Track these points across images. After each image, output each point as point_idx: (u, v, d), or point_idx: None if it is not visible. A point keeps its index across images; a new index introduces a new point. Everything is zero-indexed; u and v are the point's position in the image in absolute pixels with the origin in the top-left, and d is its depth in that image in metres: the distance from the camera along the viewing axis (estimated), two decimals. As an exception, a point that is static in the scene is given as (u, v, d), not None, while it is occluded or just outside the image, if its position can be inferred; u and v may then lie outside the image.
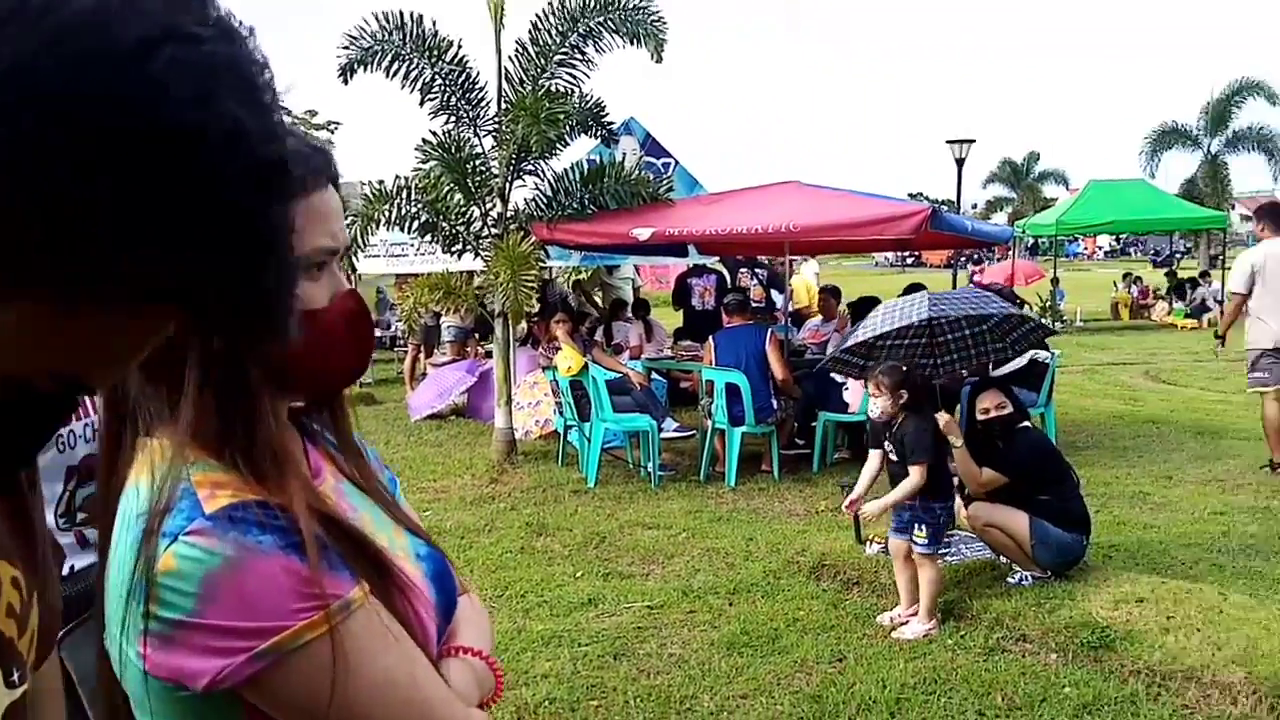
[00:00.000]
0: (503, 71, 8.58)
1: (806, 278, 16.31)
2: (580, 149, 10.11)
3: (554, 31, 8.33)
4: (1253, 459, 8.58)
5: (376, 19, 8.30)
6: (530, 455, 9.42)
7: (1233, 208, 54.81)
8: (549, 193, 8.84)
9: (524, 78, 8.44)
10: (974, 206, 62.84)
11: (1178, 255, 34.99)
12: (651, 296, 16.27)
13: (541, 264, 9.02)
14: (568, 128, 8.42)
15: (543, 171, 8.78)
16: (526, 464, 9.11)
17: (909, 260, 53.13)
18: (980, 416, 5.49)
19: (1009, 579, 5.36)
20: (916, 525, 5.06)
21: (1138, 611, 4.73)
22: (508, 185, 8.74)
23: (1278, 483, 7.72)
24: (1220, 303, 21.84)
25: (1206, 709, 4.07)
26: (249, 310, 0.71)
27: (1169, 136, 30.09)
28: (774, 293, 12.13)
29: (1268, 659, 4.16)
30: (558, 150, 8.64)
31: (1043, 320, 15.36)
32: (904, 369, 5.38)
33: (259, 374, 1.04)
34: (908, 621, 5.08)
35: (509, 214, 8.83)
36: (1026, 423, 5.57)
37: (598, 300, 14.54)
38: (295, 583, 0.99)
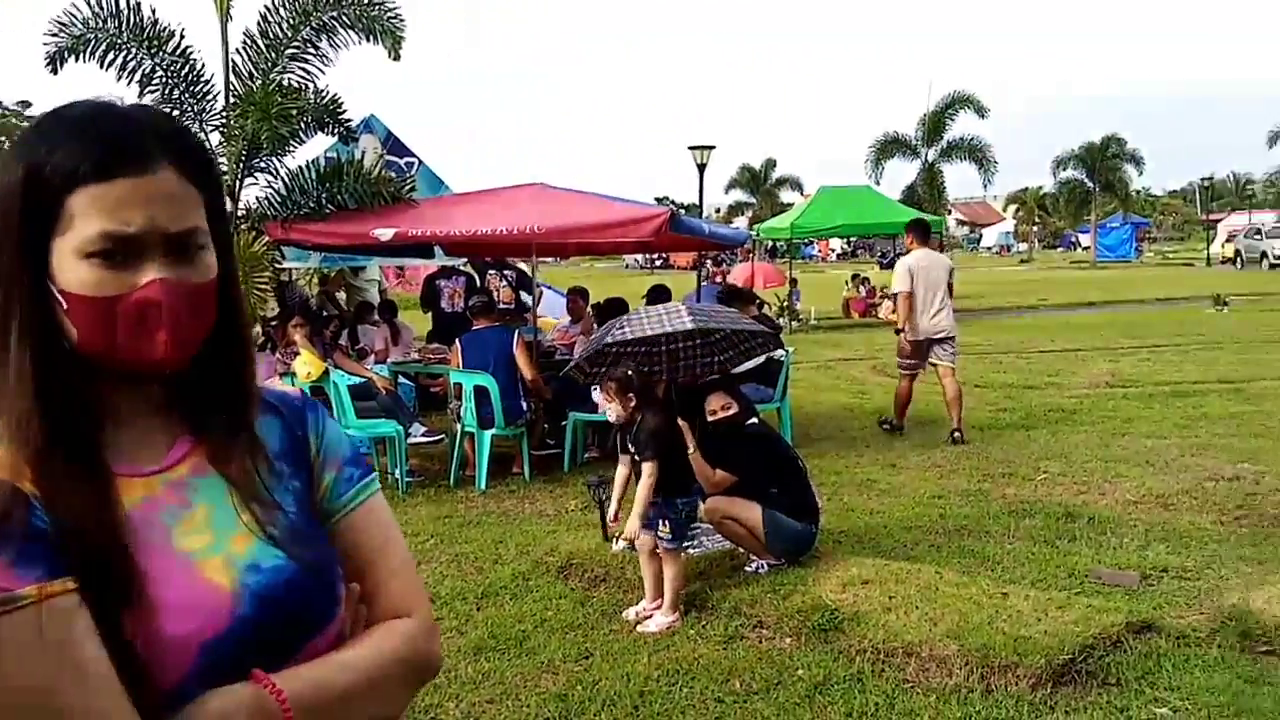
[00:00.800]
0: (230, 64, 8.20)
1: None
2: (318, 146, 9.80)
3: (285, 25, 8.03)
4: (966, 445, 9.28)
5: (89, 4, 7.76)
6: (270, 465, 9.01)
7: (949, 212, 59.32)
8: (283, 191, 8.51)
9: (254, 71, 8.10)
10: (716, 210, 65.14)
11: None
12: (400, 298, 15.93)
13: (277, 265, 8.66)
14: (302, 124, 8.13)
15: (276, 169, 8.44)
16: (266, 475, 8.71)
17: (658, 262, 54.37)
18: (710, 418, 5.68)
19: (747, 568, 5.57)
20: (660, 521, 5.18)
21: (863, 593, 5.00)
22: (238, 183, 8.35)
23: (988, 467, 8.37)
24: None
25: (925, 682, 4.35)
26: None
27: (891, 146, 32.13)
28: (524, 294, 12.13)
29: (977, 631, 4.49)
30: (291, 147, 8.34)
31: (777, 323, 16.06)
32: (629, 373, 5.49)
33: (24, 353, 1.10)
34: (651, 615, 5.19)
35: (240, 213, 8.43)
36: (755, 420, 5.79)
37: (342, 302, 14.09)
38: None
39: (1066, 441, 9.34)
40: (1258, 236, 43.92)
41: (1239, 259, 43.63)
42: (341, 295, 14.34)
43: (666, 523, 5.18)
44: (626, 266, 53.62)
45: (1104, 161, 47.56)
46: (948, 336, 9.94)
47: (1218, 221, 57.21)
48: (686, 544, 5.40)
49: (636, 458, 5.29)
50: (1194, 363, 14.46)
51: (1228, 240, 48.84)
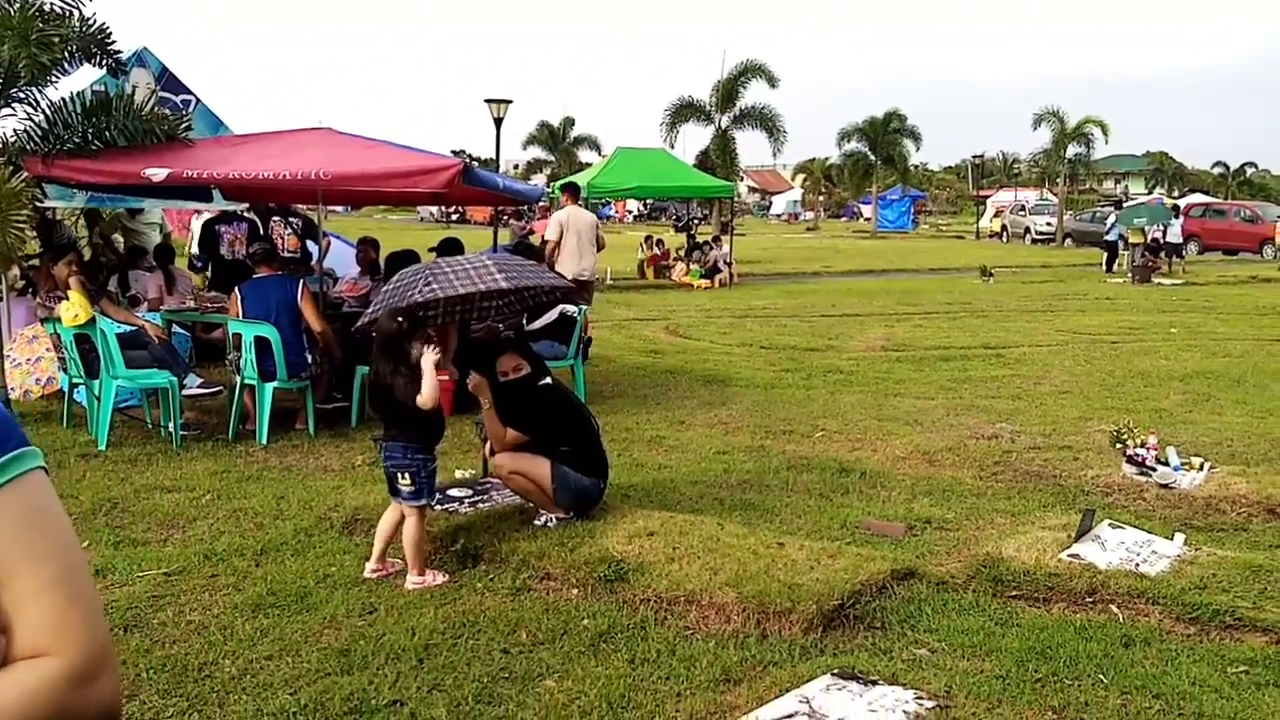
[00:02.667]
0: (-15, -17, 7.52)
1: None
2: (85, 78, 9.14)
3: (48, -58, 7.42)
4: (750, 404, 9.58)
5: None
6: (30, 417, 8.43)
7: (741, 179, 60.76)
8: (45, 124, 7.89)
9: (11, -7, 7.45)
10: (515, 167, 64.49)
11: (696, 220, 38.20)
12: (180, 244, 15.10)
13: (38, 202, 8.03)
14: (65, 53, 7.54)
15: (35, 100, 7.80)
16: (25, 427, 8.08)
17: (454, 216, 53.48)
18: (501, 379, 5.66)
19: (535, 522, 5.59)
20: (399, 475, 5.07)
21: (649, 544, 5.11)
22: (-8, 111, 7.71)
23: (770, 425, 8.68)
24: (729, 265, 24.13)
25: (705, 628, 4.49)
26: None
27: (686, 110, 32.63)
28: (310, 243, 11.71)
29: (754, 579, 4.66)
30: (54, 78, 7.73)
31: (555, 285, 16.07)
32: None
33: None
34: (378, 574, 5.13)
35: (-5, 146, 7.79)
36: (548, 379, 5.80)
37: (118, 246, 13.20)
38: None
39: (843, 401, 9.78)
40: (1022, 213, 47.02)
41: (1005, 233, 46.59)
42: (118, 239, 13.46)
43: (406, 475, 5.07)
44: (421, 220, 52.49)
45: (885, 135, 49.67)
46: (591, 279, 12.51)
47: (987, 197, 60.76)
48: (428, 499, 5.27)
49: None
50: (961, 329, 15.39)
51: (995, 215, 52.01)
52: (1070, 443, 7.96)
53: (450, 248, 9.78)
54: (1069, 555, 5.07)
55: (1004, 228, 47.31)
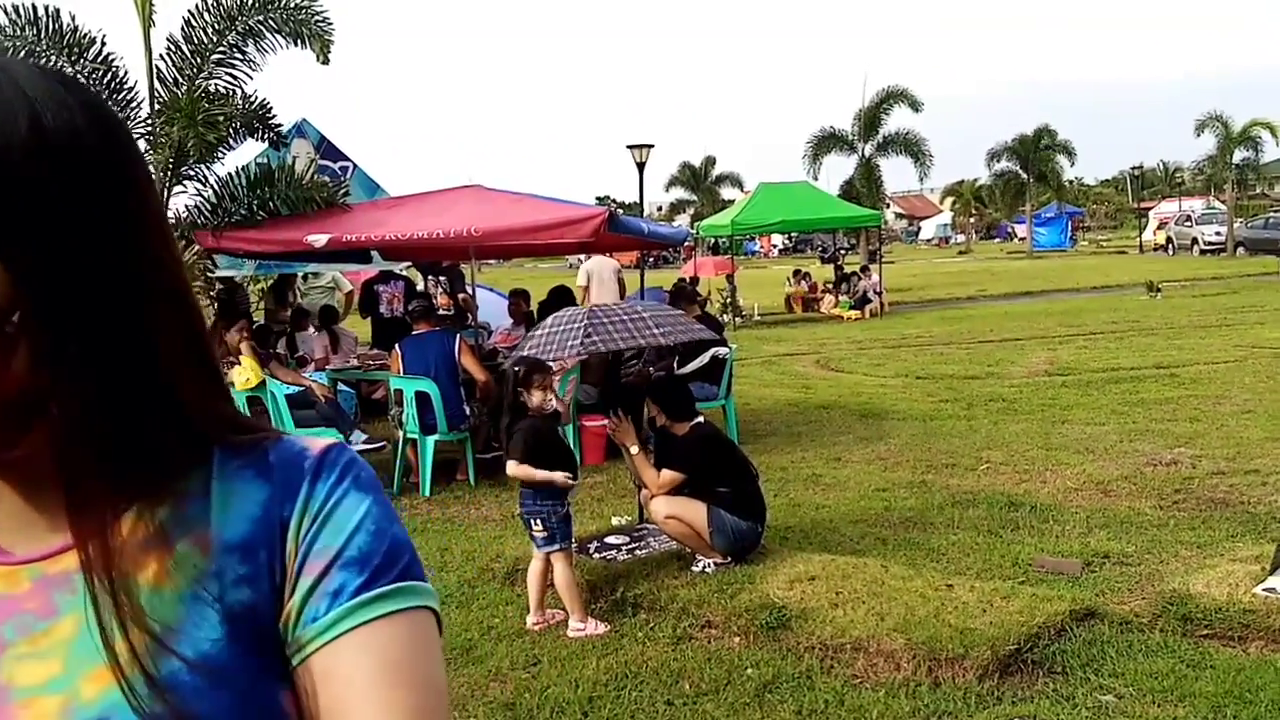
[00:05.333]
0: (154, 71, 8.01)
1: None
2: (249, 153, 9.63)
3: (210, 29, 7.87)
4: (909, 437, 9.34)
5: (5, 13, 7.53)
6: (208, 478, 8.84)
7: (887, 206, 59.88)
8: (213, 199, 8.33)
9: (178, 78, 7.92)
10: (659, 209, 65.16)
11: (843, 251, 37.82)
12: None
13: (209, 273, 8.48)
14: (230, 130, 7.98)
15: (205, 176, 8.26)
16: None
17: (600, 261, 54.26)
18: (659, 424, 5.70)
19: (693, 568, 5.53)
20: (532, 521, 5.13)
21: (810, 589, 5.00)
22: (166, 191, 8.17)
23: (931, 458, 8.43)
24: (879, 294, 23.75)
25: (873, 677, 4.35)
26: None
27: (828, 141, 32.36)
28: (459, 297, 12.03)
29: (923, 625, 4.50)
30: (220, 154, 8.18)
31: (720, 321, 16.13)
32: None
33: None
34: (540, 625, 5.15)
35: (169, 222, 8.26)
36: (700, 419, 5.76)
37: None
38: None
39: (1007, 431, 9.44)
40: (1188, 223, 44.86)
41: (1170, 245, 44.52)
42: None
43: (538, 521, 5.10)
44: (570, 266, 53.40)
45: (1037, 153, 48.24)
46: None
47: (1149, 209, 58.32)
48: (564, 544, 5.27)
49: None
50: (1129, 349, 14.71)
51: (1159, 227, 49.81)
52: (1257, 466, 7.48)
53: (561, 297, 9.99)
54: (1264, 589, 4.73)
55: (1169, 240, 45.22)
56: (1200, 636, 4.52)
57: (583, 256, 16.31)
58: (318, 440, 0.89)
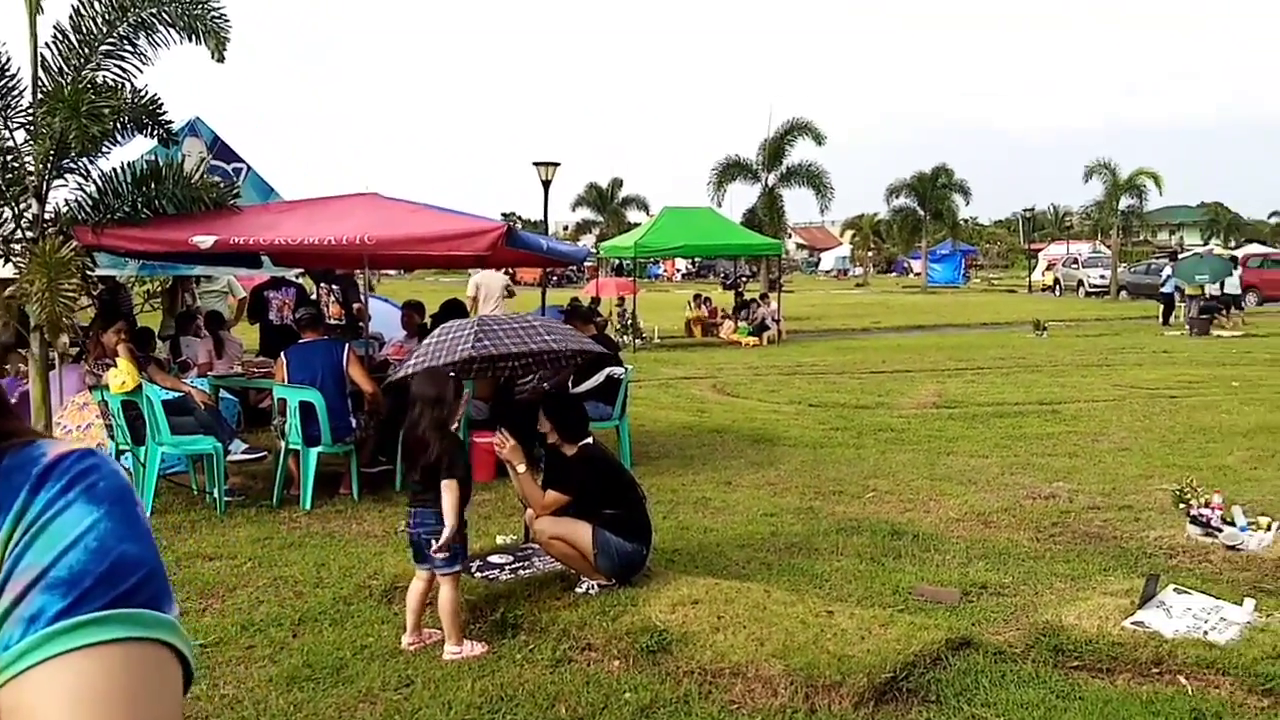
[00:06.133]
0: (39, 59, 7.67)
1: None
2: (139, 150, 9.30)
3: (100, 19, 7.55)
4: (799, 464, 9.41)
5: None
6: (77, 484, 8.47)
7: (789, 236, 60.72)
8: (95, 194, 8.00)
9: (64, 67, 7.59)
10: (564, 229, 65.09)
11: (744, 278, 38.17)
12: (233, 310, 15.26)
13: (89, 271, 8.13)
14: (116, 124, 7.65)
15: (87, 171, 7.92)
16: (71, 494, 8.18)
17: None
18: (550, 441, 5.61)
19: (577, 589, 5.46)
20: (431, 540, 4.95)
21: (693, 613, 4.96)
22: (45, 184, 7.82)
23: (819, 485, 8.50)
24: (778, 322, 24.00)
25: (751, 703, 4.32)
26: None
27: (733, 169, 32.62)
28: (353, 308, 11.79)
29: (802, 651, 4.49)
30: (105, 148, 7.83)
31: (616, 342, 16.18)
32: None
33: None
34: (413, 646, 5.01)
35: (47, 216, 7.90)
36: (589, 440, 5.70)
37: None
38: None
39: (894, 460, 9.57)
40: (1075, 265, 46.46)
41: (1058, 286, 46.02)
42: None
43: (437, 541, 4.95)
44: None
45: (934, 190, 49.48)
46: None
47: (1039, 250, 60.21)
48: (460, 565, 5.16)
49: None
50: (1014, 385, 15.10)
51: (1048, 269, 51.46)
52: (1131, 502, 7.70)
53: (453, 310, 9.93)
54: (1132, 623, 4.84)
55: (1057, 281, 46.76)
56: (1071, 668, 4.60)
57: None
58: (65, 446, 0.80)
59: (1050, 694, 4.33)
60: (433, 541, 4.95)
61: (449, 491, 4.91)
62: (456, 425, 5.27)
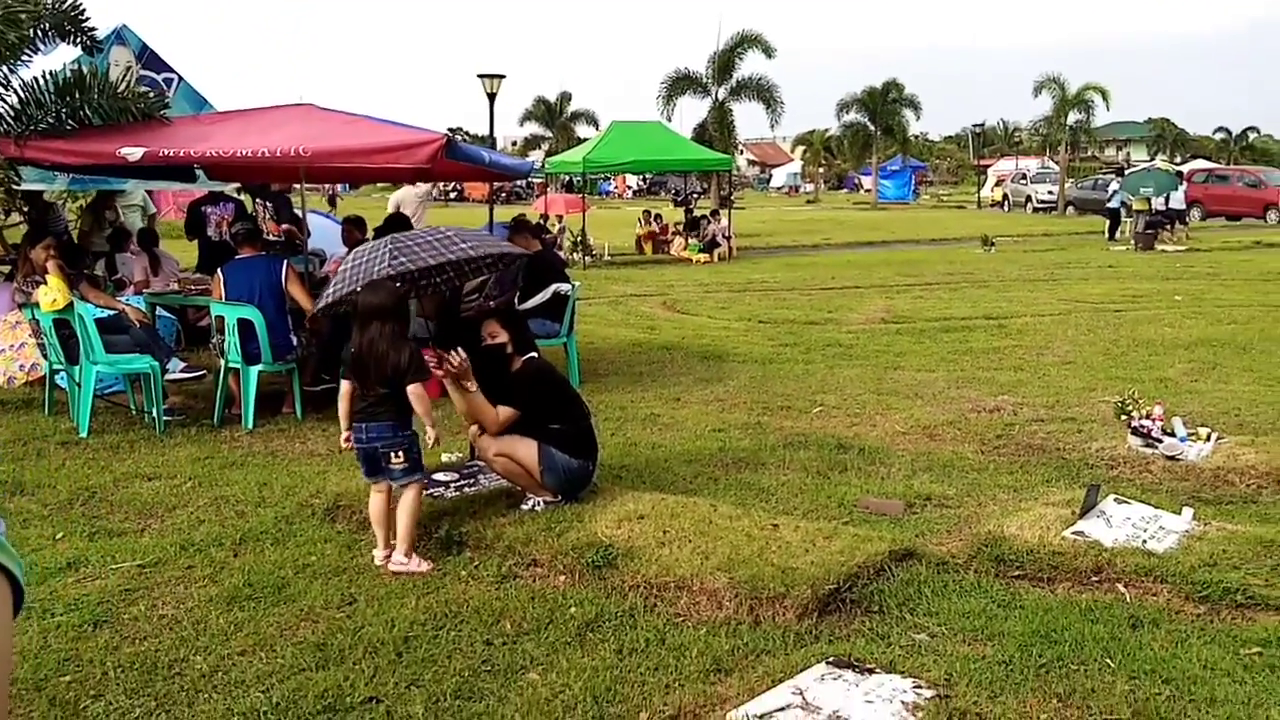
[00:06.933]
0: (-49, -42, 7.29)
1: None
2: (63, 59, 8.93)
3: (13, -85, 7.17)
4: (748, 380, 9.40)
5: None
6: (10, 405, 8.30)
7: (740, 152, 60.28)
8: (17, 104, 7.67)
9: (-23, -32, 7.22)
10: (513, 144, 64.09)
11: (695, 195, 37.90)
12: (173, 226, 14.94)
13: (14, 185, 7.83)
14: (36, 31, 7.31)
15: (7, 80, 7.58)
16: (5, 415, 8.01)
17: (452, 194, 53.27)
18: (482, 345, 5.51)
19: (523, 506, 5.41)
20: (392, 453, 4.95)
21: (638, 528, 4.94)
22: (-37, 93, 7.49)
23: (767, 400, 8.50)
24: (728, 239, 23.90)
25: (696, 615, 4.33)
26: None
27: (682, 83, 32.17)
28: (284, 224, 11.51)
29: (746, 563, 4.49)
30: (27, 56, 7.50)
31: (564, 259, 16.05)
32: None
33: None
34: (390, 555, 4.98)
35: (-34, 126, 7.58)
36: (534, 354, 5.61)
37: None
38: None
39: (842, 375, 9.60)
40: (1023, 181, 46.67)
41: (1006, 202, 46.28)
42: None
43: (399, 453, 4.94)
44: (418, 198, 52.22)
45: (885, 106, 49.25)
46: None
47: (988, 167, 60.40)
48: (421, 473, 5.14)
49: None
50: (962, 300, 15.19)
51: (997, 184, 51.68)
52: (1074, 415, 7.79)
53: (396, 224, 9.80)
54: (1073, 532, 4.89)
55: (1005, 197, 46.99)
56: (1012, 578, 4.65)
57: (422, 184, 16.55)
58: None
59: (991, 603, 4.38)
60: (391, 455, 4.92)
61: (420, 398, 4.90)
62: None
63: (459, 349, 5.38)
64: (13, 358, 8.98)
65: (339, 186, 35.22)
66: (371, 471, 5.05)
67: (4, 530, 0.69)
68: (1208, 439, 6.57)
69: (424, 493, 5.43)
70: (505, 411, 5.39)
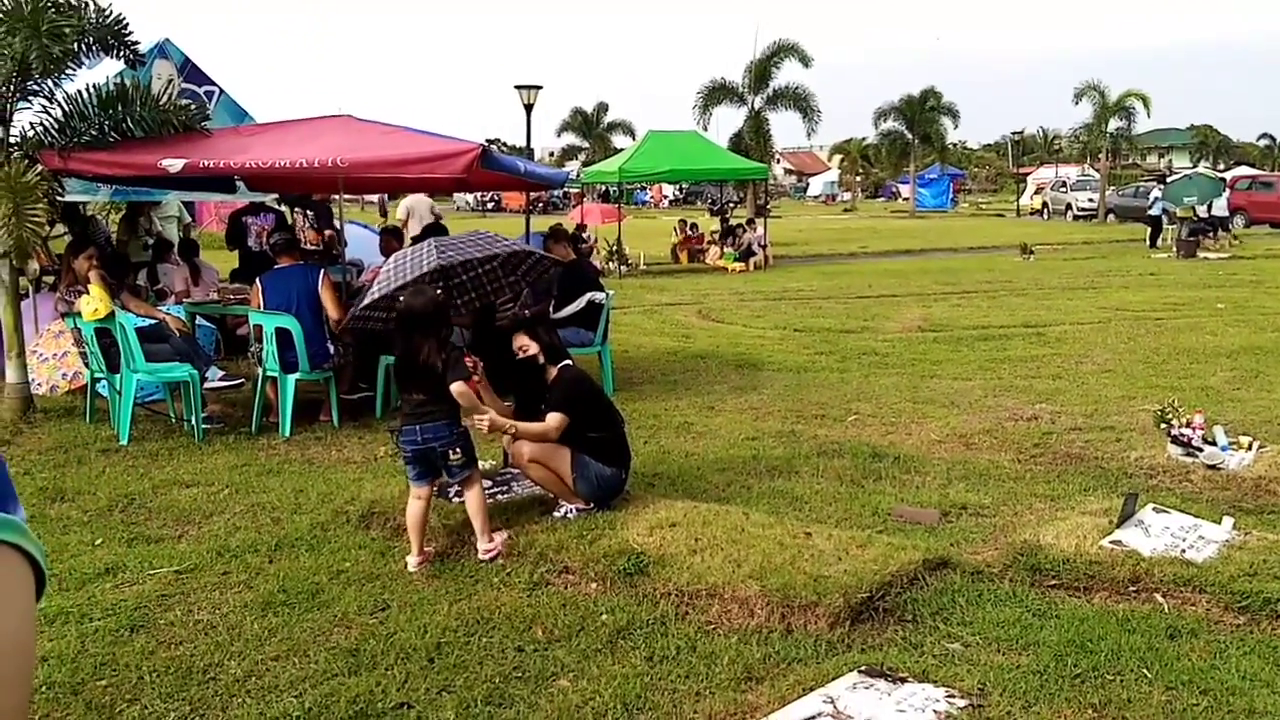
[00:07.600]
0: (-3, -22, 7.43)
1: None
2: (106, 72, 9.06)
3: (58, -67, 7.30)
4: (782, 388, 9.37)
5: None
6: (54, 413, 8.41)
7: (776, 161, 60.20)
8: (61, 117, 7.80)
9: (23, -14, 7.35)
10: (550, 155, 64.35)
11: (730, 204, 37.86)
12: (214, 237, 15.16)
13: (58, 196, 7.96)
14: (80, 45, 7.43)
15: (51, 93, 7.71)
16: (48, 423, 8.12)
17: (489, 205, 53.57)
18: (520, 356, 5.55)
19: (555, 513, 5.43)
20: (451, 451, 5.08)
21: (670, 536, 4.93)
22: (9, 107, 7.62)
23: (802, 409, 8.46)
24: (764, 247, 23.85)
25: (727, 623, 4.32)
26: None
27: (719, 92, 32.24)
28: (327, 234, 11.62)
29: (779, 572, 4.47)
30: (70, 70, 7.62)
31: (598, 267, 16.10)
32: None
33: None
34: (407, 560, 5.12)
35: (11, 140, 7.71)
36: (568, 362, 5.63)
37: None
38: None
39: (877, 384, 9.54)
40: (1063, 189, 46.19)
41: (1046, 210, 45.81)
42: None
43: (458, 450, 5.09)
44: (458, 209, 52.55)
45: (922, 114, 49.03)
46: None
47: (1028, 174, 59.90)
48: (496, 488, 5.28)
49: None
50: (1000, 308, 15.06)
51: (1036, 192, 51.18)
52: (1113, 423, 7.69)
53: (432, 233, 9.84)
54: (1111, 542, 4.83)
55: (1045, 205, 46.52)
56: (1048, 587, 4.60)
57: (471, 196, 17.10)
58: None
59: (1026, 612, 4.33)
60: (449, 452, 5.06)
61: (464, 394, 5.03)
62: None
63: (478, 360, 5.41)
64: (55, 366, 9.13)
65: (386, 197, 35.53)
66: (423, 474, 5.11)
67: (24, 517, 0.70)
68: (1250, 448, 6.46)
69: (459, 500, 5.47)
70: (553, 419, 5.38)
